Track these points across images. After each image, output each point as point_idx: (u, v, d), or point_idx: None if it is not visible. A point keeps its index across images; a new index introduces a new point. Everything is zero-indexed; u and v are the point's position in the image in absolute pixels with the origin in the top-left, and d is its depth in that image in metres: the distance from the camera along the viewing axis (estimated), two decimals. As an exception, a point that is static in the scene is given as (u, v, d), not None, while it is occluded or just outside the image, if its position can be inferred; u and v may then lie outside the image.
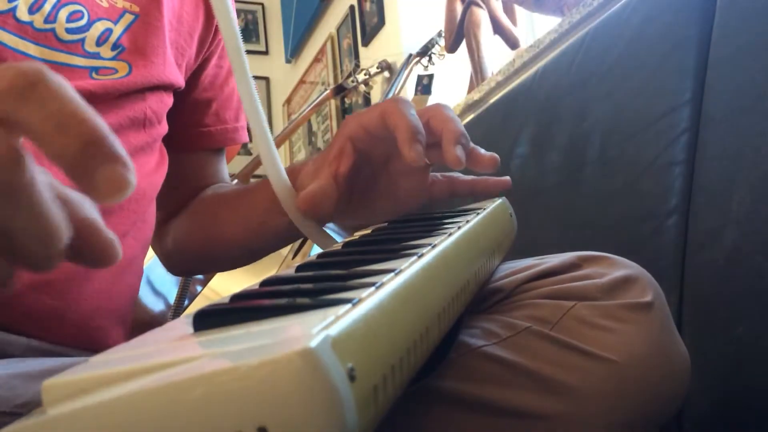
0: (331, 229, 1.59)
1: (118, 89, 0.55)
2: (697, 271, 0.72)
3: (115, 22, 0.57)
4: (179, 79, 0.62)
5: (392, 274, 0.26)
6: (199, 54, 0.68)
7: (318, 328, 0.19)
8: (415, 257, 0.29)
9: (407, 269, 0.27)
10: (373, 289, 0.24)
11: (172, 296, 1.32)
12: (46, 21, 0.53)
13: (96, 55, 0.55)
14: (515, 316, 0.46)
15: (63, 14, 0.54)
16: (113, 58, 0.56)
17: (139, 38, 0.58)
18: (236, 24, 0.52)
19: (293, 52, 3.29)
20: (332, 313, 0.20)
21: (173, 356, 0.20)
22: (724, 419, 0.66)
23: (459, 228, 0.38)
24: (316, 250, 1.52)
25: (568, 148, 0.97)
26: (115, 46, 0.56)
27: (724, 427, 0.66)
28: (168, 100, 0.62)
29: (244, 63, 0.50)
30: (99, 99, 0.54)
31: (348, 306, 0.21)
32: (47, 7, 0.53)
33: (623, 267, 0.47)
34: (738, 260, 0.67)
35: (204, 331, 0.24)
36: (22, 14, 0.52)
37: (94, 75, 0.55)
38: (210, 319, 0.24)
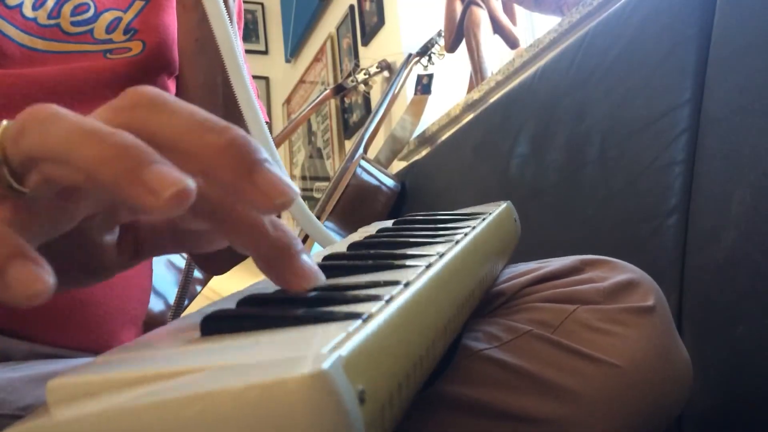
0: (330, 228, 1.59)
1: (133, 68, 0.56)
2: (697, 271, 0.72)
3: (125, 11, 0.58)
4: None
5: (401, 286, 0.26)
6: None
7: (329, 347, 0.19)
8: (423, 267, 0.29)
9: (416, 281, 0.27)
10: (383, 303, 0.23)
11: (171, 296, 1.31)
12: (49, 17, 0.54)
13: (108, 41, 0.56)
14: (517, 319, 0.46)
15: (67, 9, 0.55)
16: (127, 41, 0.57)
17: (151, 19, 0.59)
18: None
19: (293, 51, 3.28)
20: (342, 329, 0.20)
21: (179, 365, 0.20)
22: (724, 419, 0.66)
23: (465, 235, 0.37)
24: (316, 250, 1.51)
25: (568, 148, 0.97)
26: (127, 31, 0.57)
27: (724, 428, 0.66)
28: (173, 88, 0.63)
29: (237, 57, 0.49)
30: (114, 82, 0.55)
31: (358, 322, 0.21)
32: (50, 4, 0.54)
33: (625, 271, 0.47)
34: (738, 260, 0.67)
35: (211, 336, 0.24)
36: (27, 10, 0.53)
37: (108, 55, 0.56)
38: (218, 324, 0.24)
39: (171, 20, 0.60)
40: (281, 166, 0.50)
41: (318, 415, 0.17)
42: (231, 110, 0.53)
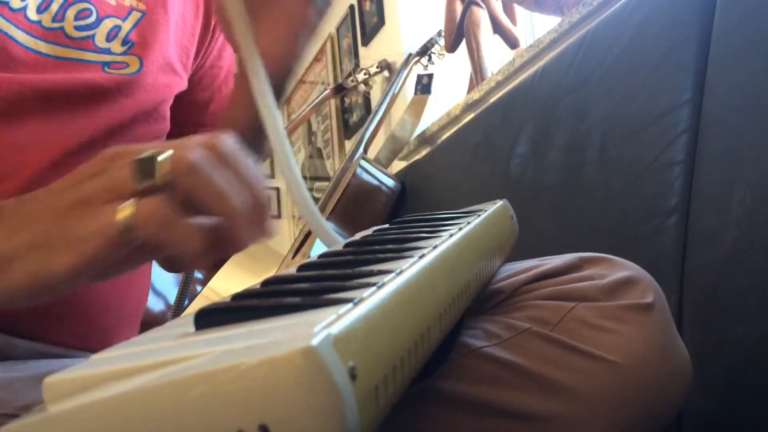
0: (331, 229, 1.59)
1: (129, 84, 0.56)
2: (697, 271, 0.72)
3: (124, 19, 0.58)
4: (183, 78, 0.63)
5: (394, 274, 0.26)
6: (199, 53, 0.68)
7: (319, 327, 0.19)
8: (416, 258, 0.29)
9: (409, 269, 0.27)
10: (374, 288, 0.24)
11: (172, 296, 1.32)
12: (53, 20, 0.54)
13: (107, 51, 0.57)
14: (516, 317, 0.46)
15: (71, 13, 0.55)
16: (124, 53, 0.57)
17: (148, 34, 0.59)
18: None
19: (293, 51, 3.28)
20: (333, 312, 0.20)
21: (174, 354, 0.20)
22: (724, 419, 0.66)
23: (460, 229, 0.38)
24: (316, 250, 1.51)
25: (568, 148, 0.97)
26: (125, 42, 0.58)
27: (724, 427, 0.66)
28: (170, 97, 0.63)
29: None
30: (111, 94, 0.55)
31: (349, 305, 0.21)
32: (54, 7, 0.54)
33: (624, 268, 0.47)
34: (738, 260, 0.67)
35: (205, 329, 0.24)
36: (32, 13, 0.53)
37: (106, 69, 0.56)
38: (211, 318, 0.24)
39: (166, 38, 0.60)
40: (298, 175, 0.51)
41: (310, 389, 0.17)
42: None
